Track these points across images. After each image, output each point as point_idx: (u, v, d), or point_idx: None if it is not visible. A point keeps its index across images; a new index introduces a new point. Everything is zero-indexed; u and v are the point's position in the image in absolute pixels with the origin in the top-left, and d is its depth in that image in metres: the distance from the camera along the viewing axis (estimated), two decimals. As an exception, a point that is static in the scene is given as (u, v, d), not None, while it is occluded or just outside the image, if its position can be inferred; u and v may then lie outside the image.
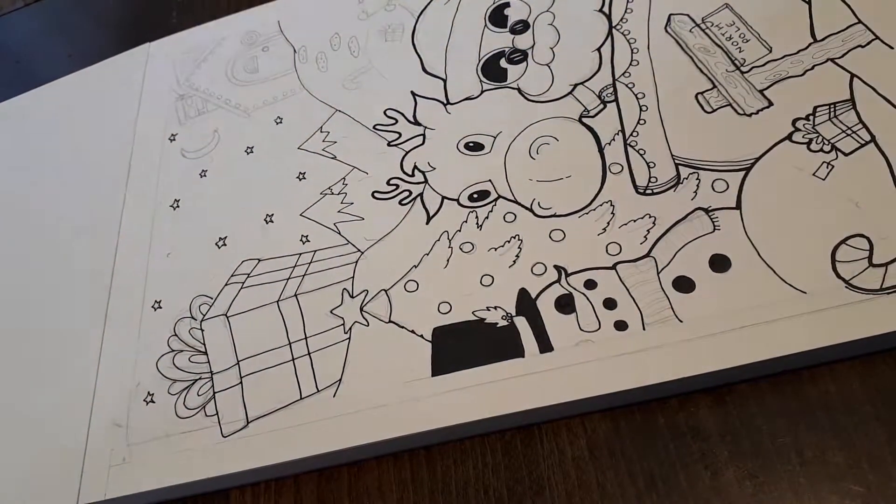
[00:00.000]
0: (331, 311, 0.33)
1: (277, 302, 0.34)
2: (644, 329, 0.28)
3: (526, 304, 0.30)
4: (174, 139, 0.42)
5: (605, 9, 0.37)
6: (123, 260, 0.39)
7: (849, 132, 0.29)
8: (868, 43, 0.31)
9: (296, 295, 0.34)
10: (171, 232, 0.39)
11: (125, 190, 0.41)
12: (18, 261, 0.42)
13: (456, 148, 0.36)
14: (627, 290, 0.29)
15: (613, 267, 0.30)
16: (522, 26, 0.38)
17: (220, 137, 0.41)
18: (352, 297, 0.33)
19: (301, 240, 0.35)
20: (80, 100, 0.47)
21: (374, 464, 0.30)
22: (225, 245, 0.37)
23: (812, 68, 0.31)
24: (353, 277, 0.33)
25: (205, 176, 0.40)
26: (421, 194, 0.35)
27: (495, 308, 0.30)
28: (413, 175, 0.36)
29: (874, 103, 0.30)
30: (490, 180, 0.34)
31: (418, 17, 0.41)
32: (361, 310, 0.32)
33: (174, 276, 0.37)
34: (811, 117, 0.30)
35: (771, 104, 0.31)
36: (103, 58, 0.49)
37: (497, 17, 0.39)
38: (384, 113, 0.38)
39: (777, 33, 0.33)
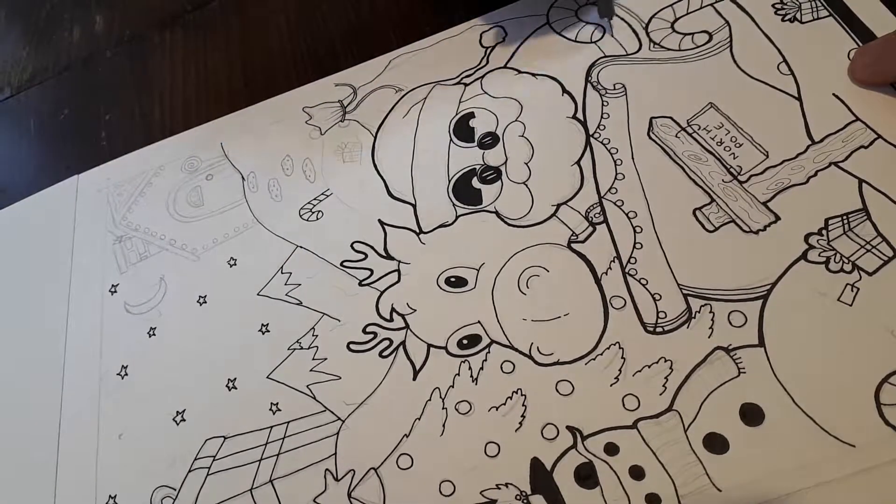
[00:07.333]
0: (314, 500, 0.28)
1: (251, 490, 0.30)
2: (679, 502, 0.25)
3: (541, 478, 0.26)
4: (115, 291, 0.37)
5: (580, 115, 0.34)
6: (68, 445, 0.33)
7: (868, 247, 0.27)
8: (871, 143, 0.29)
9: (271, 481, 0.29)
10: (122, 407, 0.34)
11: (63, 356, 0.36)
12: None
13: (436, 284, 0.32)
14: (654, 453, 0.26)
15: (634, 425, 0.26)
16: (491, 140, 0.34)
17: (167, 286, 0.36)
18: (336, 479, 0.29)
19: (271, 408, 0.31)
20: (1, 247, 0.42)
21: None
22: (184, 420, 0.32)
23: (815, 174, 0.29)
24: (335, 454, 0.29)
25: (154, 335, 0.35)
26: (403, 343, 0.31)
27: (506, 486, 0.27)
28: (391, 319, 0.32)
29: (890, 212, 0.27)
30: (479, 321, 0.30)
31: (376, 133, 0.37)
32: (350, 496, 0.28)
33: (129, 463, 0.32)
34: (824, 231, 0.28)
35: (778, 218, 0.28)
36: (26, 192, 0.44)
37: (462, 131, 0.35)
38: (351, 247, 0.34)
39: (771, 135, 0.30)
